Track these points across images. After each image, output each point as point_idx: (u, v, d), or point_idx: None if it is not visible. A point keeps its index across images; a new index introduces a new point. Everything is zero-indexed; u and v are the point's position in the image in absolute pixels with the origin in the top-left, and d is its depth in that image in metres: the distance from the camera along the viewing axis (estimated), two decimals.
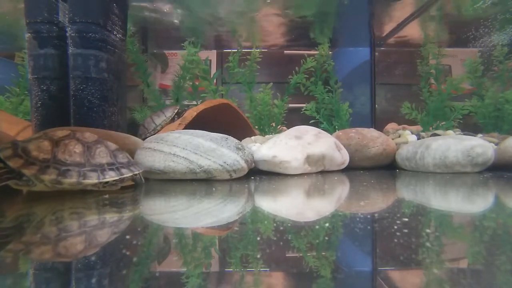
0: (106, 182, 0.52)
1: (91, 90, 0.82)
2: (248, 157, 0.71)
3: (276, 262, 0.25)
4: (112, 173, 0.52)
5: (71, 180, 0.47)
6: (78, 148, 0.50)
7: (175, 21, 1.27)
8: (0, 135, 0.67)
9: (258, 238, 0.29)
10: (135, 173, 0.57)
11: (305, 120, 1.30)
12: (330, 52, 1.36)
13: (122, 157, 0.56)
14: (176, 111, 1.14)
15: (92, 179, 0.49)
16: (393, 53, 1.60)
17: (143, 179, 0.61)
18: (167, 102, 1.39)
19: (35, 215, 0.39)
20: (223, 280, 0.22)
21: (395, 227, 0.32)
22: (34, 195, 0.50)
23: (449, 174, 0.77)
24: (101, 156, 0.52)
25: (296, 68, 1.31)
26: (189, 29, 1.36)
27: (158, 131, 1.10)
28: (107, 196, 0.50)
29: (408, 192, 0.56)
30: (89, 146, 0.52)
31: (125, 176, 0.54)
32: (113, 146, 0.57)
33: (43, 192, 0.50)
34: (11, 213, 0.41)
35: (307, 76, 1.31)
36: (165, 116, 1.13)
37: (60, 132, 0.51)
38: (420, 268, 0.23)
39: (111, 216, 0.37)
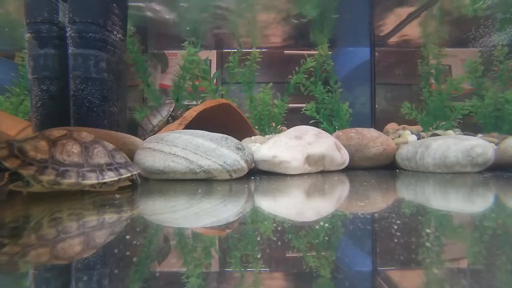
0: (104, 183, 0.51)
1: (91, 90, 0.82)
2: (248, 157, 0.71)
3: (276, 262, 0.25)
4: (111, 174, 0.52)
5: (70, 180, 0.46)
6: (76, 148, 0.50)
7: (175, 21, 1.27)
8: (0, 135, 0.67)
9: (258, 238, 0.29)
10: (134, 173, 0.57)
11: (305, 120, 1.30)
12: (329, 52, 1.35)
13: (120, 157, 0.56)
14: (171, 109, 1.14)
15: (91, 179, 0.49)
16: (393, 53, 1.60)
17: (139, 179, 0.61)
18: (167, 102, 1.39)
19: (37, 216, 0.39)
20: (223, 280, 0.22)
21: (395, 227, 0.32)
22: (34, 195, 0.50)
23: (449, 174, 0.77)
24: (99, 156, 0.52)
25: (296, 68, 1.31)
26: (189, 29, 1.37)
27: (156, 131, 1.10)
28: (118, 195, 0.50)
29: (408, 192, 0.56)
30: (86, 146, 0.51)
31: (123, 176, 0.54)
32: (110, 146, 0.56)
33: (42, 193, 0.50)
34: (11, 213, 0.41)
35: (307, 76, 1.31)
36: (161, 116, 1.12)
37: (57, 132, 0.51)
38: (420, 268, 0.23)
39: (110, 217, 0.37)
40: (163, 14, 1.22)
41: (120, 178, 0.53)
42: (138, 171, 0.59)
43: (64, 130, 0.52)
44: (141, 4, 1.14)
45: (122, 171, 0.54)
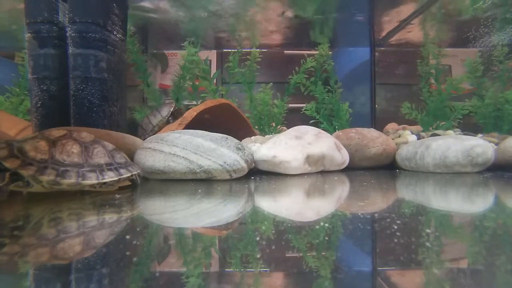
0: (104, 183, 0.51)
1: (91, 90, 0.82)
2: (248, 157, 0.71)
3: (276, 262, 0.25)
4: (111, 174, 0.52)
5: (70, 181, 0.46)
6: (76, 148, 0.50)
7: (175, 21, 1.27)
8: (0, 135, 0.67)
9: (258, 238, 0.29)
10: (134, 173, 0.56)
11: (305, 120, 1.30)
12: (330, 52, 1.35)
13: (120, 157, 0.56)
14: (171, 109, 1.14)
15: (91, 179, 0.49)
16: (393, 53, 1.60)
17: (138, 179, 0.61)
18: (167, 102, 1.39)
19: (37, 216, 0.39)
20: (223, 280, 0.22)
21: (395, 227, 0.32)
22: (34, 195, 0.50)
23: (449, 174, 0.77)
24: (99, 156, 0.52)
25: (296, 68, 1.31)
26: (189, 29, 1.37)
27: (156, 131, 1.10)
28: (118, 195, 0.50)
29: (408, 192, 0.56)
30: (86, 146, 0.51)
31: (123, 176, 0.54)
32: (110, 146, 0.56)
33: (42, 193, 0.50)
34: (11, 213, 0.41)
35: (307, 76, 1.31)
36: (161, 116, 1.12)
37: (56, 132, 0.50)
38: (420, 268, 0.23)
39: (110, 217, 0.37)
40: (164, 14, 1.22)
41: (120, 178, 0.53)
42: (138, 171, 0.59)
43: (64, 130, 0.52)
44: (142, 4, 1.14)
45: (122, 171, 0.54)
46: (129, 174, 0.55)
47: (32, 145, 0.46)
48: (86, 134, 0.54)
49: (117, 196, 0.50)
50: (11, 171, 0.44)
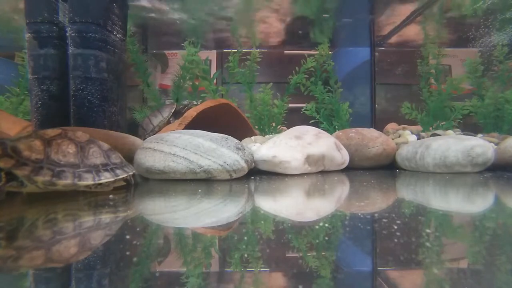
0: (100, 183, 0.51)
1: (91, 90, 0.82)
2: (248, 157, 0.71)
3: (276, 262, 0.25)
4: (107, 174, 0.51)
5: (66, 181, 0.45)
6: (71, 148, 0.49)
7: (176, 21, 1.28)
8: (0, 135, 0.67)
9: (258, 238, 0.29)
10: (129, 174, 0.56)
11: (305, 120, 1.30)
12: (330, 52, 1.35)
13: (115, 157, 0.55)
14: (173, 110, 1.14)
15: (88, 180, 0.48)
16: (393, 53, 1.60)
17: (133, 180, 0.60)
18: (167, 102, 1.39)
19: (44, 213, 0.39)
20: (223, 280, 0.22)
21: (395, 227, 0.32)
22: (34, 194, 0.50)
23: (449, 174, 0.77)
24: (95, 156, 0.51)
25: (296, 68, 1.31)
26: (189, 29, 1.37)
27: (157, 131, 1.10)
28: (111, 196, 0.50)
29: (408, 192, 0.56)
30: (82, 146, 0.50)
31: (120, 177, 0.53)
32: (105, 146, 0.56)
33: (42, 192, 0.49)
34: (14, 212, 0.41)
35: (307, 76, 1.31)
36: (162, 116, 1.12)
37: (51, 131, 0.49)
38: (420, 268, 0.23)
39: (111, 217, 0.37)
40: (164, 14, 1.22)
41: (115, 179, 0.52)
42: (133, 171, 0.59)
43: (58, 129, 0.51)
44: (142, 4, 1.14)
45: (118, 171, 0.53)
46: (125, 175, 0.54)
47: (26, 145, 0.45)
48: (81, 134, 0.53)
49: (117, 196, 0.50)
50: (5, 171, 0.43)
